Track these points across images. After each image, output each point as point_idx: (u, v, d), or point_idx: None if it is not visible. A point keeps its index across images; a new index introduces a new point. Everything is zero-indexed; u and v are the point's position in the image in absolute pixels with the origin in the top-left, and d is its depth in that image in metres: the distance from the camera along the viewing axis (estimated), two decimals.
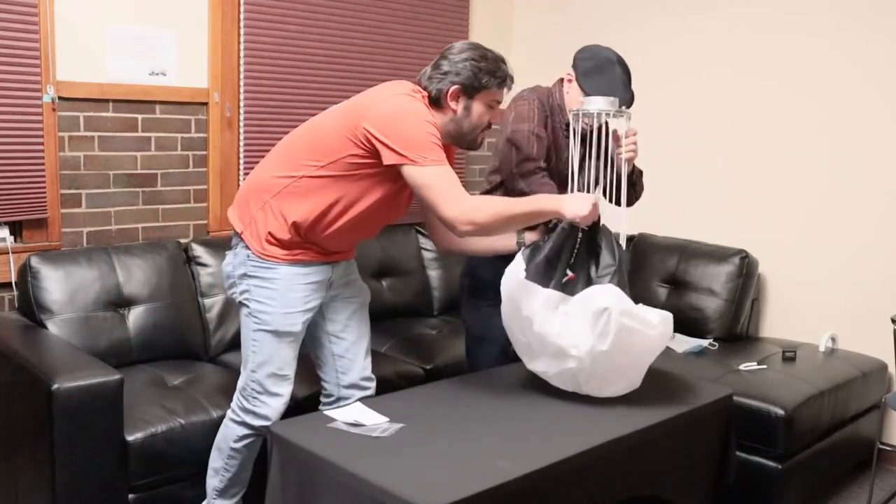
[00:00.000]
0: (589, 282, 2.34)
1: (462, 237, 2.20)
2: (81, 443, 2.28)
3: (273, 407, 2.33)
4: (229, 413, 2.41)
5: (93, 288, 2.87)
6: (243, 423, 2.35)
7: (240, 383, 2.38)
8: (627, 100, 2.51)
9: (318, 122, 2.33)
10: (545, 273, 2.32)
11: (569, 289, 2.31)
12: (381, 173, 2.21)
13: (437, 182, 2.12)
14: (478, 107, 2.29)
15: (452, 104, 2.27)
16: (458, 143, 2.35)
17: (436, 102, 2.26)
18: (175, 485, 2.48)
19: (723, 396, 2.52)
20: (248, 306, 2.32)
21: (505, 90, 2.35)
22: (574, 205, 2.23)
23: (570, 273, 2.34)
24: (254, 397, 2.34)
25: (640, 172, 2.73)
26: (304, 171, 2.24)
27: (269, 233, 2.27)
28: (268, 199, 2.28)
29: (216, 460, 2.42)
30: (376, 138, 2.14)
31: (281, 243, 2.28)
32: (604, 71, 2.53)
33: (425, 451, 1.98)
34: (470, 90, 2.26)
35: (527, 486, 1.88)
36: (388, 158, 2.14)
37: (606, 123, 2.49)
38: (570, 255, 2.35)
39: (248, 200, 2.33)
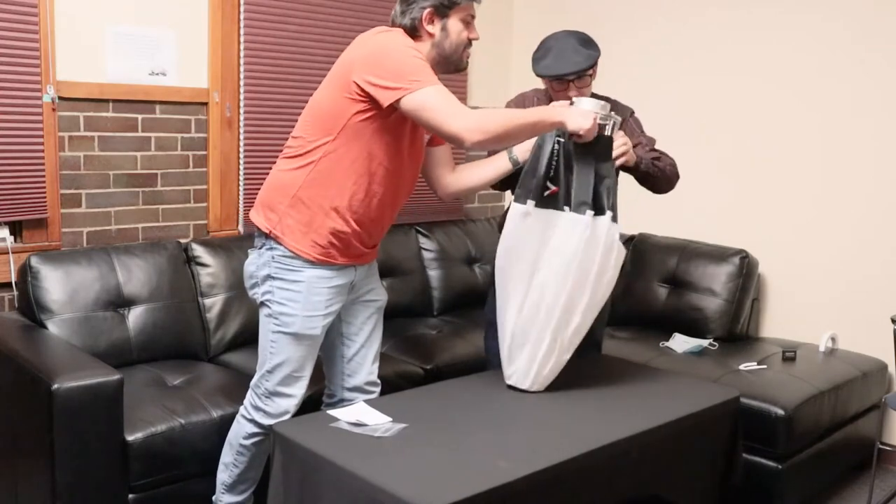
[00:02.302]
0: (568, 196, 2.34)
1: (472, 148, 2.18)
2: (81, 443, 2.28)
3: (284, 407, 2.32)
4: (241, 409, 2.41)
5: (93, 288, 2.87)
6: (253, 421, 2.34)
7: (253, 381, 2.37)
8: (581, 60, 2.52)
9: (310, 104, 2.32)
10: (526, 186, 2.37)
11: (552, 203, 2.33)
12: (389, 123, 2.21)
13: (436, 100, 2.10)
14: (454, 24, 2.28)
15: (429, 28, 2.27)
16: (445, 69, 2.33)
17: (413, 32, 2.27)
18: (175, 485, 2.47)
19: (729, 399, 2.51)
20: (269, 307, 2.31)
21: (476, 4, 2.33)
22: (577, 117, 2.24)
23: (551, 186, 2.35)
24: (267, 396, 2.33)
25: (656, 158, 2.64)
26: (320, 151, 2.22)
27: (333, 231, 2.24)
28: (294, 193, 2.24)
29: (227, 455, 2.41)
30: (369, 83, 2.13)
31: (340, 240, 2.25)
32: (549, 50, 2.55)
33: (426, 452, 1.98)
34: (442, 10, 2.26)
35: (527, 487, 1.88)
36: (385, 99, 2.12)
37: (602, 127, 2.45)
38: (549, 168, 2.36)
39: (270, 203, 2.29)
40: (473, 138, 2.09)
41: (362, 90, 2.15)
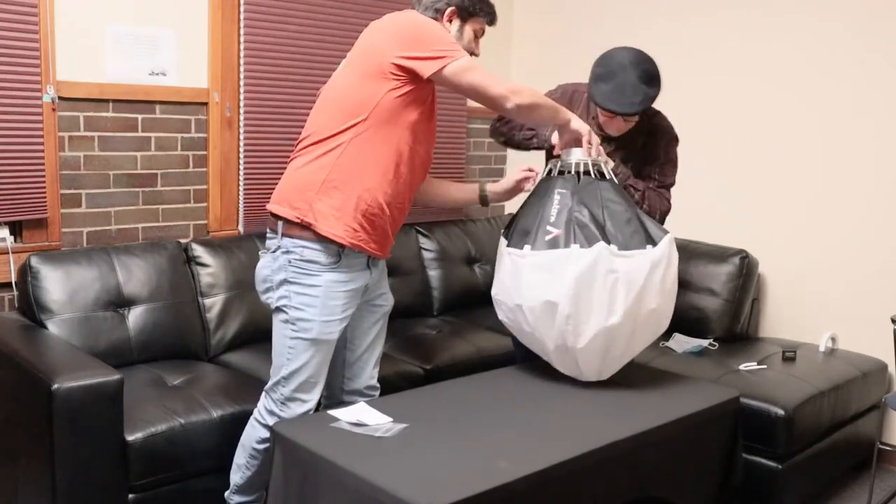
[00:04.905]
0: (588, 232, 2.39)
1: (511, 112, 2.28)
2: (81, 443, 2.28)
3: (299, 413, 2.31)
4: (255, 413, 2.39)
5: (93, 288, 2.87)
6: (267, 426, 2.32)
7: (268, 386, 2.35)
8: (638, 102, 2.49)
9: (328, 95, 2.32)
10: (525, 234, 2.46)
11: (554, 244, 2.39)
12: (417, 101, 2.26)
13: (477, 67, 2.23)
14: (468, 31, 2.40)
15: (448, 25, 2.36)
16: None
17: None
18: (175, 485, 2.47)
19: (729, 399, 2.51)
20: (286, 313, 2.28)
21: (487, 25, 2.45)
22: (575, 120, 2.43)
23: (554, 230, 2.41)
24: (282, 402, 2.31)
25: (639, 193, 2.65)
26: (349, 134, 2.22)
27: (365, 213, 2.24)
28: (324, 179, 2.23)
29: (240, 456, 2.41)
30: (409, 58, 2.18)
31: (373, 224, 2.27)
32: (613, 76, 2.50)
33: (426, 452, 1.98)
34: (464, 13, 2.37)
35: (527, 487, 1.88)
36: (428, 69, 2.18)
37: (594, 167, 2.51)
38: (549, 213, 2.44)
39: (296, 196, 2.26)
40: (515, 100, 2.23)
41: (399, 67, 2.19)
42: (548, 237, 2.39)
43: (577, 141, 2.43)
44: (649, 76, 2.50)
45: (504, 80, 2.27)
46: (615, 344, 2.39)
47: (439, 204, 2.68)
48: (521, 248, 2.43)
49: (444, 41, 2.21)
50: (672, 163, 2.72)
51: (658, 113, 2.71)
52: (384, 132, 2.23)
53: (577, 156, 2.46)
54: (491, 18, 2.42)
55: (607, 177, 2.49)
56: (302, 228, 2.25)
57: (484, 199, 2.61)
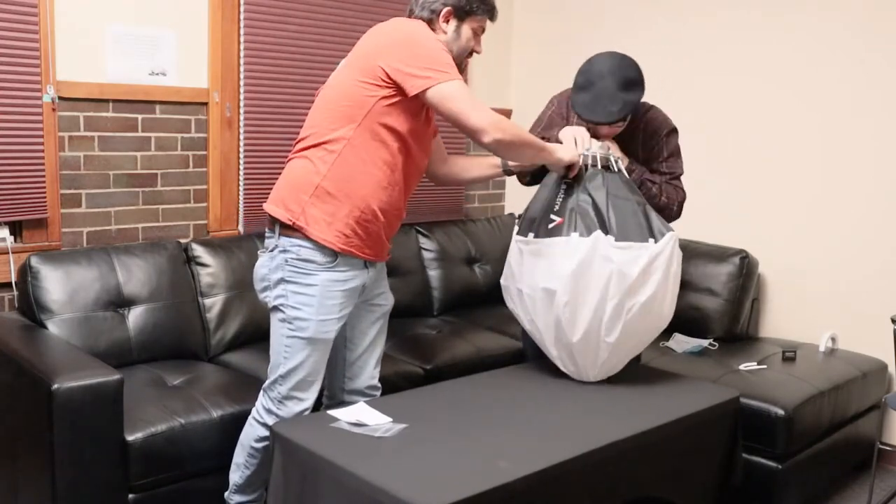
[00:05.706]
0: (588, 221, 2.42)
1: (487, 146, 2.23)
2: (81, 443, 2.28)
3: (297, 411, 2.31)
4: (253, 412, 2.40)
5: (93, 288, 2.87)
6: (265, 425, 2.32)
7: (266, 384, 2.36)
8: (616, 111, 2.48)
9: (326, 95, 2.32)
10: (531, 223, 2.52)
11: (555, 232, 2.44)
12: (411, 110, 2.25)
13: (463, 93, 2.19)
14: (466, 30, 2.37)
15: (444, 26, 2.34)
16: None
17: (428, 26, 2.32)
18: (175, 485, 2.47)
19: (729, 399, 2.52)
20: (283, 312, 2.28)
21: (489, 21, 2.43)
22: (561, 151, 2.45)
23: (556, 218, 2.46)
24: (279, 401, 2.31)
25: (652, 181, 2.65)
26: (344, 140, 2.22)
27: (358, 220, 2.24)
28: (318, 184, 2.23)
29: (239, 456, 2.41)
30: (398, 70, 2.16)
31: (366, 231, 2.26)
32: (591, 86, 2.51)
33: (426, 452, 1.98)
34: (461, 13, 2.34)
35: (527, 487, 1.88)
36: (413, 87, 2.16)
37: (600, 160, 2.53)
38: (553, 202, 2.49)
39: (290, 197, 2.26)
40: (493, 135, 2.18)
41: (389, 77, 2.18)
42: (550, 225, 2.45)
43: (571, 159, 2.46)
44: (628, 82, 2.49)
45: (490, 114, 2.19)
46: (609, 336, 2.40)
47: (461, 182, 2.70)
48: (526, 235, 2.49)
49: (436, 61, 2.17)
50: (676, 154, 2.74)
51: (652, 107, 2.71)
52: (379, 138, 2.23)
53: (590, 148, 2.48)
54: (491, 14, 2.40)
55: (616, 171, 2.50)
56: (297, 229, 2.25)
57: (507, 171, 2.62)
